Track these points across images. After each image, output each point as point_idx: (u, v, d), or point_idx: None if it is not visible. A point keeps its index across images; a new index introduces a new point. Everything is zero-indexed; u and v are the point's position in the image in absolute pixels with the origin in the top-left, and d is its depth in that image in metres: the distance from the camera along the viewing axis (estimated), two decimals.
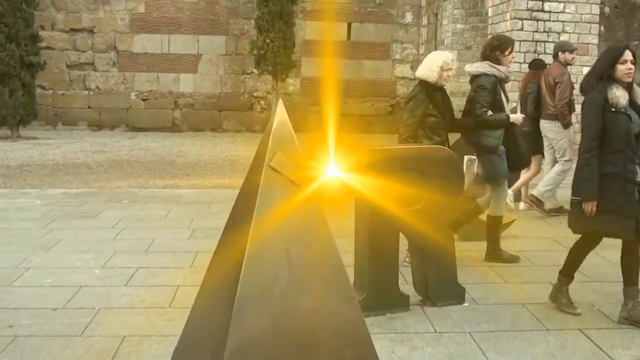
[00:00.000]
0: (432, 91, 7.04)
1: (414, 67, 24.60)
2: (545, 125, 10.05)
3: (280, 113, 3.55)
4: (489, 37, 14.54)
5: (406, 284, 6.22)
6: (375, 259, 5.63)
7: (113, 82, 23.99)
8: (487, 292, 6.48)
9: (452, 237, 5.98)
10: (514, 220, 8.61)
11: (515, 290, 6.56)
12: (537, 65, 10.55)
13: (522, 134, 8.01)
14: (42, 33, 22.21)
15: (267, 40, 20.89)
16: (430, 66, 6.99)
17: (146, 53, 23.89)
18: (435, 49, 22.50)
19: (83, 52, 23.74)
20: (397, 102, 24.63)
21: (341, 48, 24.06)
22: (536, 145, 10.16)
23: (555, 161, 10.05)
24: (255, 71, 22.38)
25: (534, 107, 10.23)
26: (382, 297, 5.67)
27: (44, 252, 7.65)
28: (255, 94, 24.25)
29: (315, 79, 23.88)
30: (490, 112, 7.22)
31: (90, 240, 8.18)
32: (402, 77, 24.91)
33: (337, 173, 4.90)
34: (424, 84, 7.06)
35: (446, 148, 6.07)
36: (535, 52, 16.54)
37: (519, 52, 16.38)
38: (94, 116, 23.90)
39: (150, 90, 24.05)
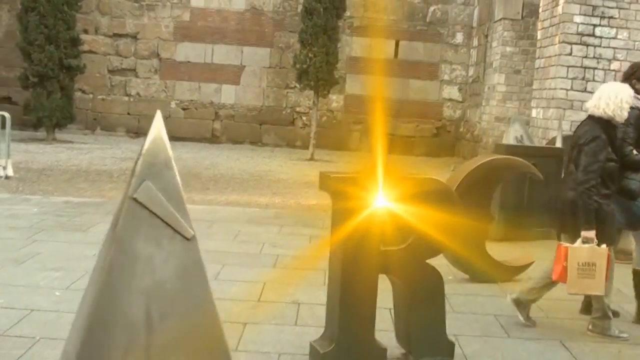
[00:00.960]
0: (611, 131, 5.93)
1: (461, 90, 23.72)
2: None
3: (156, 127, 2.74)
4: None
5: (388, 332, 5.39)
6: (348, 305, 4.83)
7: (154, 90, 23.52)
8: (485, 347, 5.62)
9: (442, 281, 5.12)
10: (532, 262, 7.73)
11: (516, 346, 5.68)
12: None
13: None
14: (84, 37, 21.84)
15: (310, 55, 20.13)
16: (619, 102, 5.79)
17: (189, 62, 23.38)
18: (484, 71, 21.59)
19: (125, 57, 23.33)
20: (443, 124, 23.75)
21: (388, 66, 23.24)
22: None
23: None
24: (298, 86, 21.63)
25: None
26: (353, 349, 4.86)
27: (13, 266, 7.03)
28: (297, 109, 23.57)
29: (359, 96, 23.13)
30: (635, 152, 6.26)
31: (67, 256, 7.52)
32: (450, 99, 24.02)
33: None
34: (604, 122, 5.88)
35: (437, 179, 5.20)
36: (583, 78, 15.54)
37: (567, 77, 15.41)
38: (133, 123, 23.43)
39: (191, 100, 23.52)
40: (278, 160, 19.99)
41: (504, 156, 7.81)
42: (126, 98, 23.52)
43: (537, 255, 8.84)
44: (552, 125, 15.66)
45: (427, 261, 5.08)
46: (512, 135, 11.83)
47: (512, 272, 7.59)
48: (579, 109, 15.15)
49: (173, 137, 22.20)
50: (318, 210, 10.94)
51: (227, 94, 23.52)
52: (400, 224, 4.90)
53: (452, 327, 5.77)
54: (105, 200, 11.28)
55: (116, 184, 13.34)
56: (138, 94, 23.52)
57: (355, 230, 4.75)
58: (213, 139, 23.48)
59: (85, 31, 22.53)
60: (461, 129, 23.73)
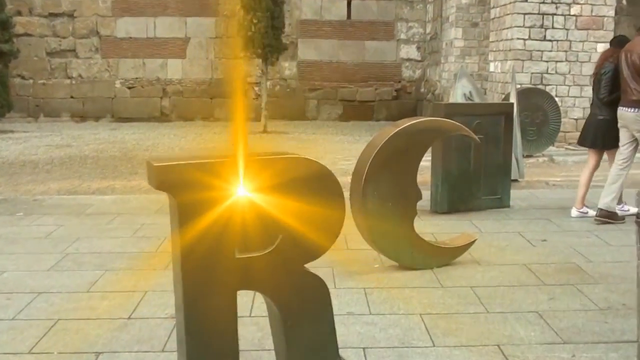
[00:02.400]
0: None
1: (420, 48, 22.45)
2: (626, 114, 7.84)
3: None
4: None
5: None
6: (196, 337, 3.57)
7: (96, 70, 22.18)
8: None
9: (326, 290, 3.87)
10: (474, 241, 6.54)
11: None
12: (619, 43, 8.23)
13: (596, 123, 8.07)
14: (18, 19, 20.50)
15: (254, 21, 18.74)
16: None
17: (130, 37, 22.07)
18: (441, 27, 20.29)
19: (63, 38, 21.98)
20: (403, 86, 22.49)
21: (341, 28, 21.94)
22: (613, 137, 8.12)
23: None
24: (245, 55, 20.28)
25: (608, 91, 8.04)
26: None
27: None
28: (248, 79, 22.22)
29: (314, 62, 21.86)
30: None
31: None
32: (408, 59, 22.76)
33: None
34: None
35: (314, 160, 3.88)
36: (542, 26, 14.27)
37: (524, 26, 14.15)
38: (78, 107, 22.12)
39: (136, 78, 22.19)
40: (229, 134, 18.68)
41: (430, 118, 6.54)
42: (68, 81, 22.19)
43: (487, 226, 7.77)
44: (510, 79, 14.42)
45: (307, 266, 3.82)
46: (459, 92, 10.59)
47: (448, 254, 6.39)
48: (539, 59, 13.93)
49: (120, 118, 21.20)
50: None
51: (174, 69, 22.21)
52: (263, 220, 3.65)
53: (362, 336, 4.71)
54: (4, 197, 9.96)
55: (35, 176, 12.10)
56: (80, 75, 22.16)
57: (202, 235, 3.50)
58: (162, 117, 22.16)
59: (19, 12, 21.04)
60: (422, 90, 22.46)
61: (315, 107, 22.31)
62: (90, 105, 22.16)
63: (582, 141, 8.47)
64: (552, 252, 6.87)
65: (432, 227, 7.60)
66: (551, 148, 13.82)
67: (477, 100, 10.68)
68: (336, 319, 4.20)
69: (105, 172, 12.54)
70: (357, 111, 22.14)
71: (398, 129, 6.06)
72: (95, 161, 13.93)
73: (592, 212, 8.24)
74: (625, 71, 7.78)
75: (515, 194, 9.44)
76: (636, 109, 7.72)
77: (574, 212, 8.36)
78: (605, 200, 8.01)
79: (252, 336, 4.68)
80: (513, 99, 10.99)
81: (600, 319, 5.09)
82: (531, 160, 13.15)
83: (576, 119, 14.75)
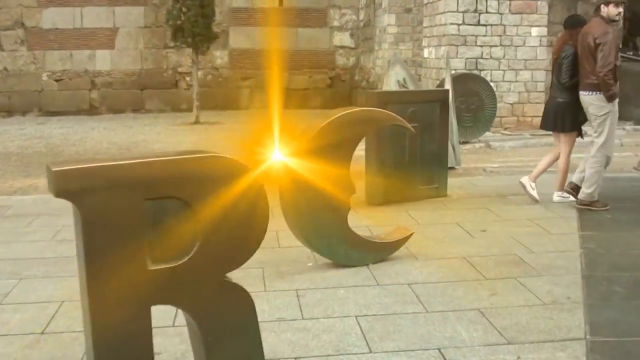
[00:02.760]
0: None
1: (353, 35, 22.14)
2: (584, 98, 7.71)
3: None
4: None
5: None
6: (106, 350, 3.20)
7: (22, 63, 21.40)
8: None
9: (251, 303, 3.51)
10: (411, 234, 6.26)
11: None
12: (574, 23, 7.99)
13: (556, 105, 8.05)
14: None
15: (184, 9, 18.24)
16: None
17: (57, 28, 21.32)
18: (374, 13, 20.00)
19: None
20: (337, 73, 22.19)
21: (274, 15, 21.50)
22: (573, 120, 8.04)
23: None
24: (175, 44, 19.74)
25: (569, 75, 7.86)
26: None
27: None
28: (179, 69, 21.77)
29: (245, 50, 21.48)
30: None
31: None
32: (342, 47, 22.46)
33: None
34: None
35: (232, 158, 3.51)
36: (476, 11, 14.07)
37: (457, 11, 13.93)
38: (4, 101, 21.34)
39: (64, 70, 21.48)
40: (159, 127, 18.22)
41: (362, 109, 6.19)
42: None
43: (425, 218, 7.48)
44: (444, 65, 14.18)
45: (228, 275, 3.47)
46: (392, 79, 10.31)
47: (384, 250, 6.10)
48: (473, 44, 13.73)
49: (48, 112, 20.44)
50: None
51: (102, 60, 21.54)
52: (178, 227, 3.29)
53: (294, 345, 4.38)
54: None
55: None
56: (5, 68, 21.38)
57: (108, 244, 3.13)
58: (92, 110, 21.50)
59: None
60: (356, 77, 22.18)
61: (248, 95, 21.87)
62: (17, 99, 21.38)
63: (544, 125, 8.31)
64: (492, 243, 6.62)
65: (367, 220, 7.28)
66: (487, 134, 13.64)
67: (411, 87, 10.41)
68: (266, 325, 3.86)
69: (29, 169, 11.97)
70: (290, 99, 21.73)
71: (328, 121, 5.73)
72: (20, 158, 13.33)
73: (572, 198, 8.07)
74: (581, 54, 7.70)
75: (452, 182, 9.20)
76: (592, 92, 7.61)
77: (556, 197, 8.26)
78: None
79: (175, 349, 4.31)
80: (448, 85, 10.75)
81: (545, 315, 4.84)
82: (468, 146, 12.94)
83: (512, 104, 14.61)
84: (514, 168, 10.74)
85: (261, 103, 21.73)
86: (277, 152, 5.47)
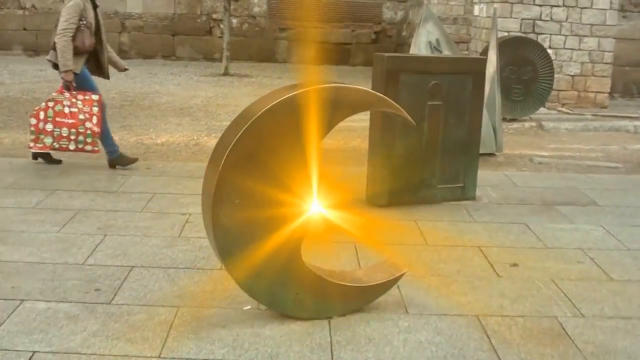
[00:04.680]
0: None
1: None
2: None
3: None
4: None
5: None
6: None
7: (51, 1, 19.37)
8: None
9: None
10: (401, 276, 4.00)
11: None
12: None
13: None
14: None
15: None
16: None
17: None
18: None
19: None
20: (383, 28, 19.75)
21: None
22: None
23: None
24: None
25: None
26: None
27: None
28: (214, 15, 19.49)
29: None
30: None
31: None
32: None
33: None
34: None
35: None
36: None
37: None
38: (30, 39, 19.42)
39: None
40: (184, 76, 16.18)
41: (339, 85, 3.79)
42: (20, 12, 19.52)
43: (437, 234, 5.38)
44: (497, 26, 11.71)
45: None
46: (423, 39, 7.96)
47: (358, 297, 3.95)
48: (531, 3, 11.27)
49: None
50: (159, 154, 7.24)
51: (134, 2, 19.47)
52: None
53: None
54: None
55: None
56: (33, 6, 19.45)
57: None
58: (120, 54, 19.14)
59: None
60: (404, 33, 19.67)
61: (286, 48, 19.59)
62: (44, 38, 19.32)
63: None
64: (522, 290, 4.39)
65: (356, 231, 5.05)
66: (542, 110, 11.21)
67: (445, 51, 8.05)
68: None
69: (8, 120, 9.97)
70: (331, 54, 19.40)
71: (281, 99, 3.50)
72: (12, 104, 11.35)
73: None
74: None
75: (486, 176, 6.95)
76: None
77: None
78: None
79: None
80: (492, 51, 8.40)
81: None
82: (515, 125, 10.53)
83: (572, 76, 12.06)
84: (569, 160, 8.40)
85: (299, 57, 19.52)
86: None
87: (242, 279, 3.62)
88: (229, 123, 3.73)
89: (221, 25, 18.70)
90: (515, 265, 4.79)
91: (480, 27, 12.78)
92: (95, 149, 6.81)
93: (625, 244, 5.33)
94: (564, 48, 11.90)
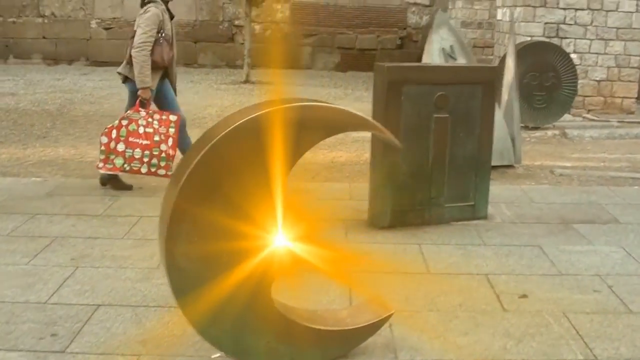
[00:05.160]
0: None
1: None
2: None
3: None
4: None
5: None
6: None
7: (71, 8, 19.13)
8: None
9: None
10: (388, 317, 3.54)
11: None
12: None
13: None
14: None
15: None
16: None
17: None
18: None
19: None
20: (408, 33, 19.27)
21: None
22: None
23: None
24: None
25: None
26: None
27: None
28: (236, 22, 19.12)
29: (309, 4, 18.73)
30: None
31: None
32: (415, 3, 19.38)
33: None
34: None
35: None
36: None
37: None
38: (50, 48, 19.17)
39: (114, 18, 19.12)
40: (204, 84, 15.82)
41: (312, 104, 3.29)
42: (40, 19, 19.21)
43: (442, 259, 4.94)
44: (519, 30, 11.22)
45: None
46: (435, 47, 7.46)
47: (341, 341, 3.47)
48: (555, 6, 10.72)
49: (95, 62, 18.12)
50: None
51: None
52: None
53: None
54: None
55: None
56: (53, 14, 19.16)
57: None
58: None
59: None
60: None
61: (310, 54, 19.16)
62: (64, 47, 19.20)
63: None
64: (529, 327, 3.91)
65: (353, 256, 4.61)
66: (566, 117, 10.63)
67: (461, 58, 7.54)
68: None
69: (10, 133, 9.62)
70: (356, 60, 18.95)
71: (242, 121, 3.04)
72: (19, 117, 11.01)
73: None
74: None
75: (500, 192, 6.46)
76: None
77: None
78: None
79: None
80: (510, 58, 7.88)
81: None
82: (538, 133, 9.97)
83: (598, 81, 11.45)
84: (592, 170, 7.84)
85: (324, 64, 19.12)
86: None
87: (200, 323, 3.16)
88: None
89: (244, 32, 18.33)
90: (524, 296, 4.29)
91: (504, 32, 12.23)
92: (168, 173, 6.12)
93: None
94: (589, 52, 11.31)
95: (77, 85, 15.26)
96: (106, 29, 19.17)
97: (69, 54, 19.16)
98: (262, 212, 3.11)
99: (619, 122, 10.65)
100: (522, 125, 9.93)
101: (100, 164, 6.27)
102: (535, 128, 9.97)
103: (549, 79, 9.93)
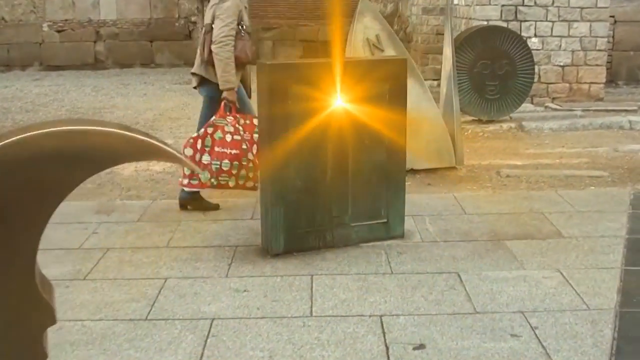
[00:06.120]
0: None
1: None
2: None
3: None
4: None
5: None
6: None
7: (21, 12, 18.21)
8: None
9: None
10: None
11: None
12: None
13: None
14: None
15: None
16: None
17: None
18: None
19: None
20: None
21: None
22: None
23: None
24: None
25: None
26: None
27: None
28: (192, 18, 18.21)
29: None
30: None
31: None
32: None
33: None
34: None
35: None
36: None
37: None
38: (2, 54, 18.27)
39: (66, 20, 18.20)
40: (156, 85, 14.97)
41: (74, 129, 2.34)
42: None
43: (335, 295, 3.93)
44: (474, 14, 10.31)
45: None
46: (359, 37, 6.57)
47: None
48: None
49: (50, 67, 17.21)
50: None
51: (107, 8, 18.19)
52: None
53: None
54: None
55: None
56: (3, 18, 18.26)
57: None
58: (97, 64, 18.22)
59: None
60: (395, 27, 18.20)
61: (271, 48, 18.24)
62: (16, 52, 18.28)
63: None
64: None
65: (218, 304, 3.74)
66: (528, 107, 9.73)
67: (388, 49, 6.64)
68: None
69: None
70: (320, 53, 18.05)
71: None
72: None
73: None
74: None
75: (427, 202, 5.59)
76: None
77: None
78: None
79: None
80: (447, 46, 6.99)
81: None
82: (492, 127, 9.02)
83: (562, 66, 10.50)
84: (546, 169, 6.96)
85: (286, 58, 18.19)
86: None
87: None
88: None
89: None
90: (421, 347, 3.41)
91: (460, 17, 11.33)
92: (257, 184, 5.26)
93: (585, 299, 3.92)
94: (552, 36, 10.37)
95: (22, 92, 14.41)
96: (58, 31, 18.26)
97: (22, 59, 18.25)
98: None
99: (582, 111, 9.70)
100: (475, 119, 9.06)
101: (185, 181, 5.39)
102: (490, 121, 9.05)
103: (502, 67, 8.99)
